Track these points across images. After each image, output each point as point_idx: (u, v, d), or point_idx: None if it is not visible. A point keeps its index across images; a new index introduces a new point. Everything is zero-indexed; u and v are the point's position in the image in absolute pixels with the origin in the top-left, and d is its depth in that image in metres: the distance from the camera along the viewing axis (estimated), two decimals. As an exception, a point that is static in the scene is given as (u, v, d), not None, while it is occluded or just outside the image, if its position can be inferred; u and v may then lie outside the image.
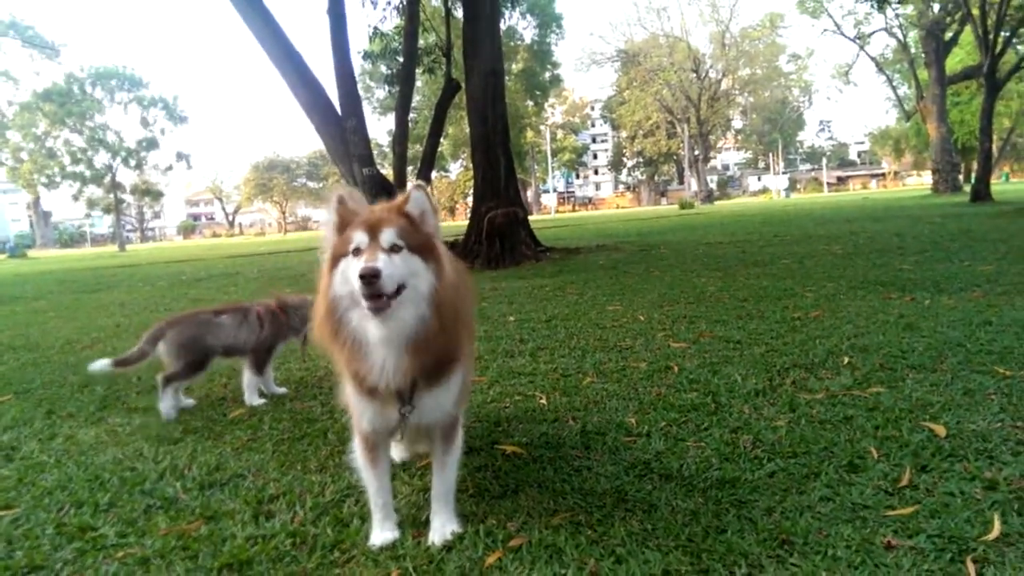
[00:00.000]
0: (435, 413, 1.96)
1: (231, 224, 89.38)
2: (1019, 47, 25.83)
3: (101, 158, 53.84)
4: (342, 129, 11.59)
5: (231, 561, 1.94)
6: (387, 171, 12.63)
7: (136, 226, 79.28)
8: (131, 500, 2.43)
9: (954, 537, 1.80)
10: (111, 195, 55.72)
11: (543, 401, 3.27)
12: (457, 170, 66.25)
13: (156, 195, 65.94)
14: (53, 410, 3.76)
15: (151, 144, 55.25)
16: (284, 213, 78.52)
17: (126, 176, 57.87)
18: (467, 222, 12.49)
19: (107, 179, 54.61)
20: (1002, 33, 22.35)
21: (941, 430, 2.52)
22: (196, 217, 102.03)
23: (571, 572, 1.76)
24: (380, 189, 11.57)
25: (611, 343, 4.46)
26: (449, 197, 67.98)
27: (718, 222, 20.77)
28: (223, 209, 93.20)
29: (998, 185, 33.09)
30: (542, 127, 66.78)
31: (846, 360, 3.58)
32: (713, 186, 72.70)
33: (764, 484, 2.20)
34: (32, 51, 48.99)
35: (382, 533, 2.02)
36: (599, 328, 5.00)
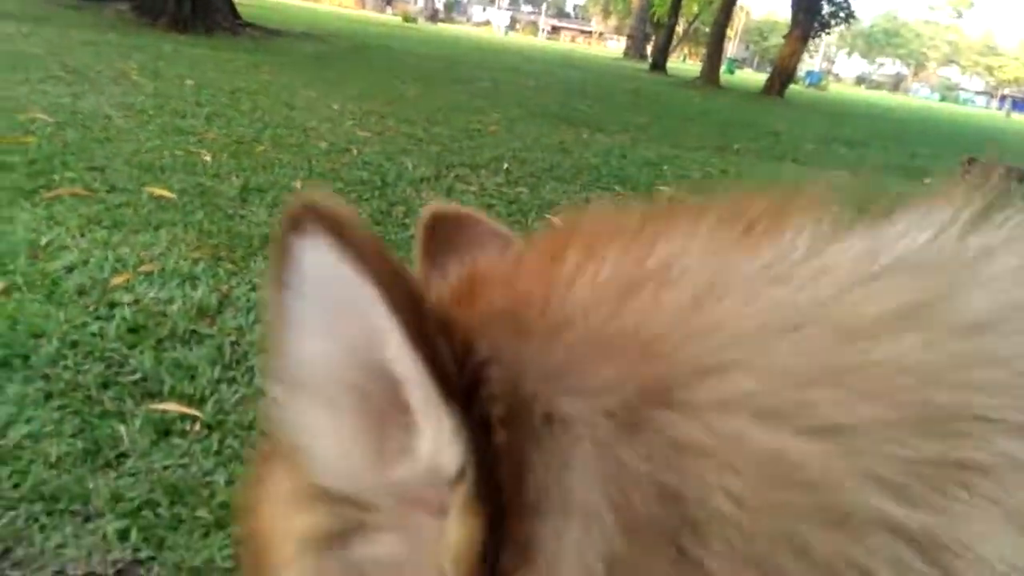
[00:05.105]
0: None
1: None
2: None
3: None
4: None
5: None
6: None
7: None
8: None
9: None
10: None
11: (207, 159, 3.13)
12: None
13: None
14: None
15: None
16: None
17: None
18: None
19: None
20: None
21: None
22: None
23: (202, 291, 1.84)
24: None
25: (297, 123, 4.34)
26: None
27: (436, 39, 20.54)
28: None
29: (675, 63, 37.53)
30: None
31: (505, 166, 4.01)
32: (440, 6, 70.72)
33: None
34: None
35: None
36: (288, 108, 4.82)
